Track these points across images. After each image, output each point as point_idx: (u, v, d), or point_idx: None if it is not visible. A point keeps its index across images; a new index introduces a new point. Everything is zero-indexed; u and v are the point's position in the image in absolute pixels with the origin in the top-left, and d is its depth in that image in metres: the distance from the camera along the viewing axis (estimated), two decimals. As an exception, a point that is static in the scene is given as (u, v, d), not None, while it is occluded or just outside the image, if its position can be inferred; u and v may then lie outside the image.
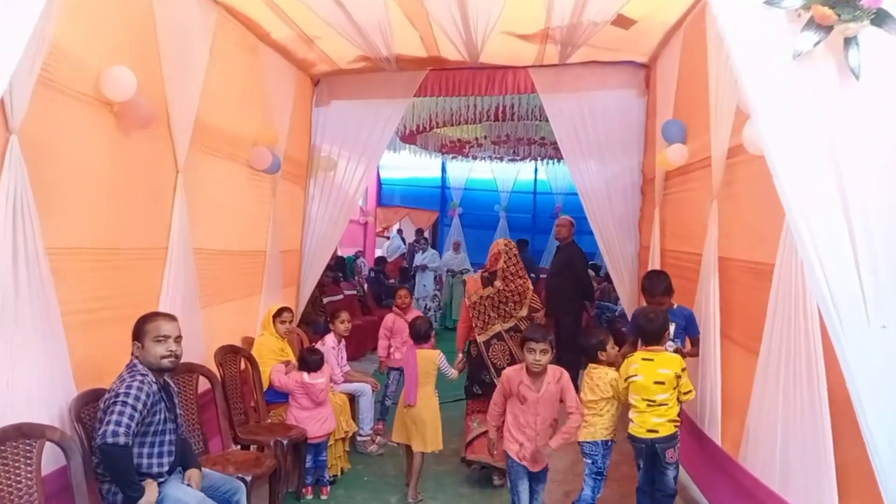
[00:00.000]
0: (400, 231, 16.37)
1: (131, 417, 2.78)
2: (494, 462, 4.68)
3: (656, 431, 3.58)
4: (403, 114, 7.13)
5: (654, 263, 5.43)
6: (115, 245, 3.59)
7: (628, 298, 6.42)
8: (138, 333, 3.07)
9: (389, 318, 6.05)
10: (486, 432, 4.53)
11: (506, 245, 5.11)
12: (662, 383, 3.58)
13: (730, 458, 3.55)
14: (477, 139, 11.79)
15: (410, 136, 11.77)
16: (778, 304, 3.00)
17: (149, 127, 3.75)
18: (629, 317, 6.52)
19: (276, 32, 5.30)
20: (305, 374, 4.51)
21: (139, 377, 2.93)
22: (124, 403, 2.80)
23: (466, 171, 17.59)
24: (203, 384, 4.12)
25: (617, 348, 4.23)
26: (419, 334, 4.77)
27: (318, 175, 6.97)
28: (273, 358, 4.82)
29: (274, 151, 5.47)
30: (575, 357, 7.20)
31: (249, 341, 5.09)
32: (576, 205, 17.80)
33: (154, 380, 3.00)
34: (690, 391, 3.65)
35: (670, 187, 5.36)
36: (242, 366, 4.68)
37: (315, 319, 8.04)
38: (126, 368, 3.02)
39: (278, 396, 4.73)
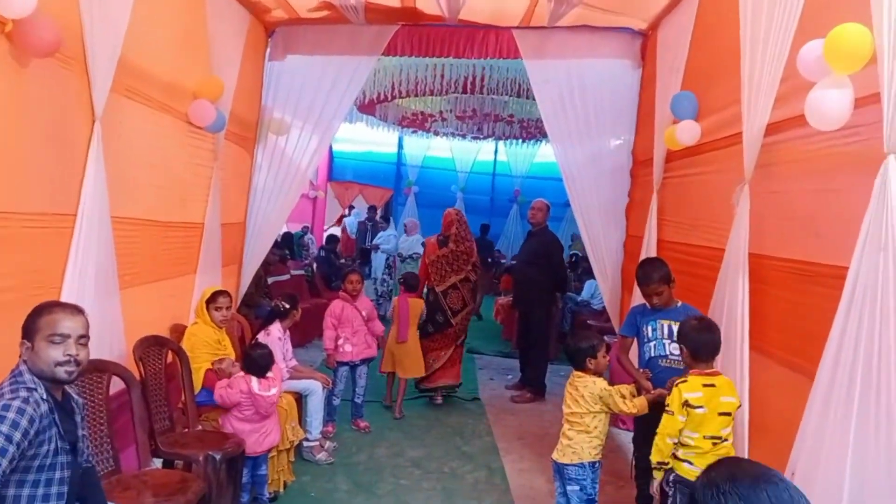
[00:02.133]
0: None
1: (3, 452, 1.99)
2: (440, 384, 6.14)
3: None
4: (368, 75, 6.33)
5: (650, 254, 4.82)
6: (4, 208, 2.75)
7: (610, 290, 5.83)
8: (28, 329, 2.24)
9: (337, 306, 5.30)
10: (439, 368, 6.07)
11: (457, 214, 6.43)
12: (728, 414, 2.88)
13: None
14: (441, 113, 11.03)
15: (369, 106, 10.94)
16: (851, 318, 2.38)
17: (55, 57, 2.91)
18: (610, 313, 5.96)
19: (225, -38, 4.45)
20: (254, 382, 3.75)
21: (23, 392, 2.13)
22: None
23: (424, 149, 16.88)
24: (117, 383, 3.33)
25: (607, 357, 3.65)
26: (409, 286, 6.11)
27: (268, 139, 6.13)
28: (207, 352, 4.04)
29: (218, 107, 4.64)
30: (543, 354, 6.60)
31: (181, 329, 4.28)
32: (534, 188, 17.46)
33: (45, 395, 2.20)
34: None
35: (673, 170, 4.74)
36: (170, 359, 3.89)
37: (258, 302, 7.25)
38: (9, 377, 2.21)
39: (212, 398, 3.96)
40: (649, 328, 3.65)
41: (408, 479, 4.45)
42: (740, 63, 3.47)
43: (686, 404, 2.84)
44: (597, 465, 3.46)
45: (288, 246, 10.25)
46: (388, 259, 11.19)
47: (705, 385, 2.87)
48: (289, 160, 6.14)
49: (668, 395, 3.00)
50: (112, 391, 3.35)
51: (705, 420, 2.83)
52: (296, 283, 8.85)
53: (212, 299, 4.14)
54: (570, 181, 5.82)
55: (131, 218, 3.80)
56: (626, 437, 5.39)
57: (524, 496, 4.20)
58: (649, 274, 3.60)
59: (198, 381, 3.95)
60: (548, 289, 6.55)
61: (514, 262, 14.46)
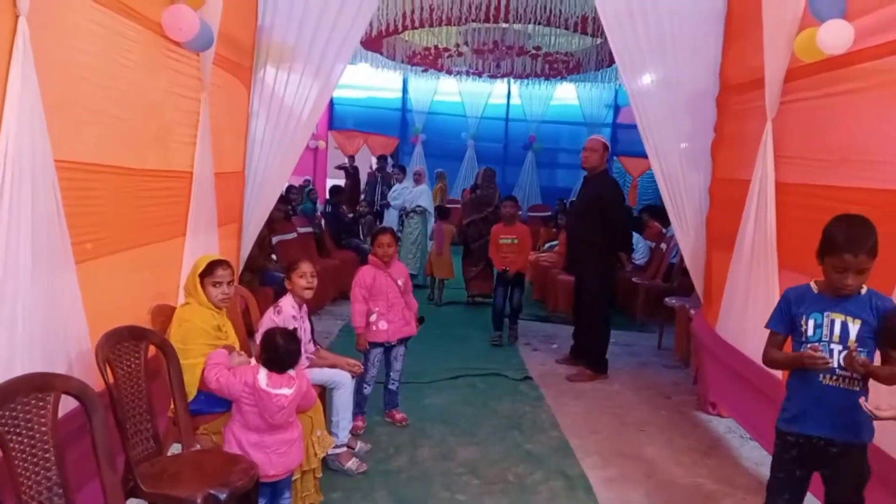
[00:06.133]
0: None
1: None
2: (474, 292, 8.17)
3: None
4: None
5: (764, 204, 3.78)
6: None
7: (692, 246, 4.81)
8: None
9: (367, 274, 4.22)
10: (474, 276, 8.02)
11: (484, 170, 8.43)
12: None
13: None
14: (457, 47, 9.84)
15: (375, 41, 9.78)
16: None
17: None
18: (692, 273, 4.95)
19: None
20: (262, 374, 2.75)
21: None
22: None
23: (430, 93, 15.64)
24: (69, 403, 2.30)
25: None
26: (442, 215, 8.81)
27: (268, 69, 5.02)
28: (204, 342, 3.01)
29: (202, 17, 3.53)
30: (603, 326, 5.56)
31: (168, 312, 3.23)
32: (551, 134, 16.28)
33: None
34: None
35: (799, 91, 3.64)
36: (152, 352, 2.87)
37: (263, 265, 6.25)
38: None
39: (214, 403, 2.96)
40: (810, 322, 2.41)
41: (464, 492, 3.48)
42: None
43: None
44: None
45: (287, 201, 9.17)
46: (400, 216, 10.03)
47: None
48: (293, 97, 5.04)
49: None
50: (69, 409, 2.37)
51: None
52: (303, 242, 7.82)
53: (207, 272, 3.09)
54: (642, 113, 4.75)
55: (86, 163, 2.73)
56: (722, 425, 4.45)
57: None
58: (858, 239, 2.25)
59: (192, 382, 2.93)
60: (605, 247, 5.43)
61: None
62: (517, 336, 6.64)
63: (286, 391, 2.79)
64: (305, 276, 3.57)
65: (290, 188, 10.02)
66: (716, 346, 4.38)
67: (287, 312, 3.55)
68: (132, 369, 2.65)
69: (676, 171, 4.73)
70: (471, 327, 7.08)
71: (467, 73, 11.69)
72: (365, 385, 4.22)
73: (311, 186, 10.85)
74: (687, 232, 4.78)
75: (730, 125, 4.56)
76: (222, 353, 2.93)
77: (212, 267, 3.09)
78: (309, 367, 3.60)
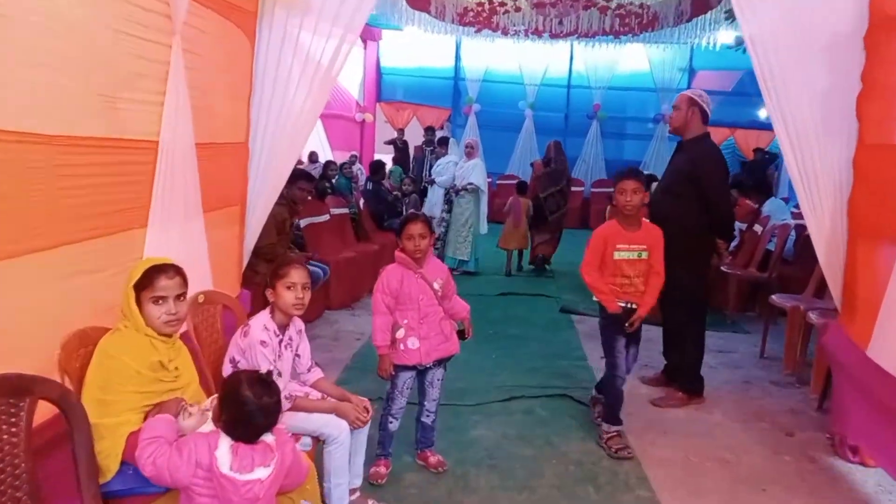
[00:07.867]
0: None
1: None
2: (538, 253, 8.84)
3: None
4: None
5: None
6: None
7: (826, 237, 3.64)
8: None
9: (393, 276, 3.16)
10: (541, 243, 8.78)
11: (555, 144, 8.81)
12: None
13: None
14: (514, 1, 8.67)
15: (422, -2, 8.70)
16: None
17: None
18: (827, 276, 3.77)
19: None
20: (224, 448, 1.82)
21: None
22: None
23: (485, 61, 14.55)
24: None
25: None
26: (520, 190, 8.89)
27: (276, 16, 4.03)
28: (136, 388, 2.07)
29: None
30: (697, 334, 4.41)
31: (97, 339, 2.27)
32: (617, 101, 14.99)
33: None
34: None
35: None
36: (46, 411, 1.93)
37: (283, 254, 5.32)
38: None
39: (143, 480, 2.02)
40: None
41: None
42: None
43: None
44: None
45: (324, 178, 8.23)
46: (447, 193, 8.86)
47: None
48: (305, 54, 4.06)
49: None
50: None
51: None
52: (337, 225, 6.90)
53: (145, 282, 2.14)
54: (763, 63, 3.58)
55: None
56: (869, 480, 3.30)
57: None
58: None
59: (114, 451, 1.99)
60: (698, 232, 4.25)
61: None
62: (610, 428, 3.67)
63: (261, 473, 1.84)
64: (295, 289, 2.59)
65: (328, 164, 9.13)
66: (865, 373, 3.21)
67: (255, 336, 2.56)
68: (2, 444, 1.71)
69: (808, 136, 3.54)
70: (530, 325, 6.03)
71: (525, 33, 10.46)
72: (390, 419, 3.24)
73: (348, 162, 9.90)
74: (821, 218, 3.61)
75: (886, 72, 3.34)
76: (164, 419, 1.97)
77: (151, 275, 2.14)
78: (290, 409, 2.61)
